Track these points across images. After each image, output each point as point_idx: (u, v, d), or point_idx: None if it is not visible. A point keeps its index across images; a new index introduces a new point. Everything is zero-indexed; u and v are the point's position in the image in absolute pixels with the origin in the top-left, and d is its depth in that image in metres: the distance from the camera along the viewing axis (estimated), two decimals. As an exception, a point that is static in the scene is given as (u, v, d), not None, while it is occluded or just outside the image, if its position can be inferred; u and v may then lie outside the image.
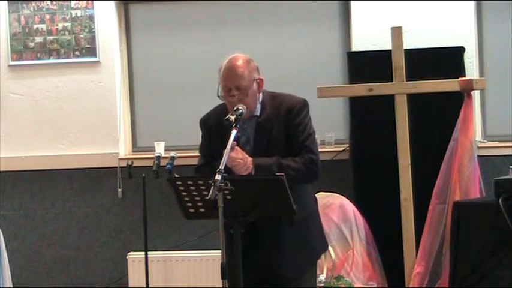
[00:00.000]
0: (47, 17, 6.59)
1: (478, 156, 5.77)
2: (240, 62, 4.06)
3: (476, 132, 5.99)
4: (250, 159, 3.96)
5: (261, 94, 4.14)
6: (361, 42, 6.30)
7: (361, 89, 5.77)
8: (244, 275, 3.90)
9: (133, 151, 6.72)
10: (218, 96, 4.09)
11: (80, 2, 6.56)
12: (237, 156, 3.92)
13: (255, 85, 4.07)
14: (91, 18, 6.56)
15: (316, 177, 4.08)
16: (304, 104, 4.13)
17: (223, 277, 3.76)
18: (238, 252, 3.87)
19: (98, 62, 6.57)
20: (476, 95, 6.09)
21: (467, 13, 6.25)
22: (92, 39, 6.57)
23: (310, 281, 4.22)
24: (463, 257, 5.12)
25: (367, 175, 6.01)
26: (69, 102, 6.61)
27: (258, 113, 4.11)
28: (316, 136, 4.17)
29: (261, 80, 4.11)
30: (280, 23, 6.58)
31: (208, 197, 3.66)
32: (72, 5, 6.57)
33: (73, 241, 6.63)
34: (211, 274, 6.12)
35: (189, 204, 3.90)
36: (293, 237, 4.06)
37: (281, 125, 4.07)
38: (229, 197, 3.73)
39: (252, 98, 4.06)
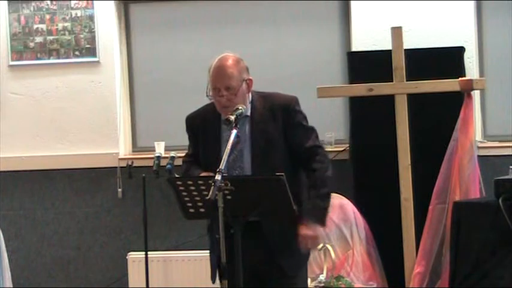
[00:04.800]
0: (47, 17, 6.59)
1: (478, 156, 5.76)
2: (229, 62, 4.05)
3: (476, 132, 5.99)
4: (319, 230, 3.98)
5: (250, 94, 4.14)
6: (361, 42, 6.30)
7: (361, 89, 5.77)
8: (244, 270, 3.92)
9: (133, 151, 6.73)
10: (207, 96, 4.09)
11: (80, 2, 6.56)
12: (312, 237, 3.97)
13: (244, 85, 4.06)
14: (91, 18, 6.57)
15: (330, 163, 4.14)
16: (296, 101, 4.15)
17: (223, 277, 3.77)
18: (238, 252, 3.87)
19: (98, 62, 6.57)
20: (476, 95, 6.09)
21: (467, 13, 6.25)
22: (92, 39, 6.57)
23: (304, 279, 4.24)
24: (463, 257, 5.11)
25: (367, 175, 6.01)
26: (69, 102, 6.61)
27: (248, 113, 4.11)
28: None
29: (250, 80, 4.11)
30: (280, 23, 6.58)
31: (208, 197, 3.66)
32: (72, 5, 6.58)
33: (73, 241, 6.63)
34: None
35: (189, 204, 3.90)
36: (292, 233, 4.05)
37: (278, 125, 4.08)
38: (229, 197, 3.73)
39: (241, 98, 4.05)
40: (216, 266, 4.02)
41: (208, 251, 3.91)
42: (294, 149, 4.10)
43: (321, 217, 4.00)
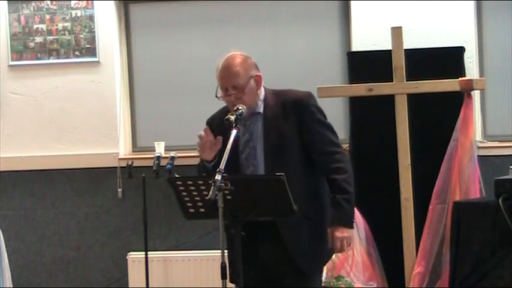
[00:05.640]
0: (47, 17, 6.59)
1: (478, 156, 5.76)
2: (235, 61, 4.04)
3: (476, 132, 5.99)
4: (346, 235, 4.01)
5: (262, 91, 4.11)
6: (361, 42, 6.31)
7: (361, 89, 5.78)
8: (256, 273, 3.99)
9: (133, 151, 6.73)
10: (216, 97, 4.08)
11: (80, 2, 6.56)
12: (347, 238, 4.01)
13: (252, 82, 4.04)
14: (91, 18, 6.57)
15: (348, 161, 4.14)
16: (309, 96, 4.11)
17: (223, 277, 3.77)
18: (238, 252, 3.88)
19: (98, 62, 6.57)
20: (476, 95, 6.09)
21: (467, 13, 6.25)
22: (92, 39, 6.57)
23: (319, 281, 4.24)
24: (463, 257, 5.11)
25: (367, 175, 6.00)
26: (69, 102, 6.61)
27: (260, 109, 4.09)
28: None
29: (259, 76, 4.07)
30: (280, 23, 6.58)
31: (208, 197, 3.66)
32: (72, 5, 6.58)
33: (73, 241, 6.63)
34: (211, 274, 6.12)
35: (189, 204, 3.90)
36: (309, 232, 4.06)
37: (290, 121, 4.04)
38: (229, 197, 3.73)
39: (250, 95, 4.03)
40: (241, 264, 3.98)
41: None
42: (310, 147, 4.06)
43: (348, 220, 4.04)
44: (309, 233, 4.06)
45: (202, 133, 3.97)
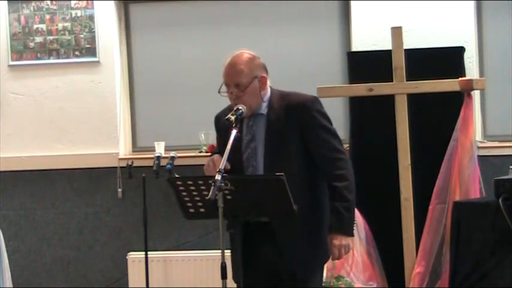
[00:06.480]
0: (47, 17, 6.60)
1: (478, 156, 5.76)
2: (241, 59, 4.02)
3: (476, 132, 5.99)
4: (344, 243, 3.97)
5: (268, 92, 4.08)
6: (361, 42, 6.31)
7: (361, 89, 5.78)
8: (256, 273, 4.00)
9: (133, 151, 6.73)
10: (218, 92, 4.07)
11: (80, 2, 6.56)
12: (345, 246, 3.98)
13: (256, 82, 4.01)
14: (91, 18, 6.57)
15: (351, 168, 4.09)
16: (314, 101, 4.06)
17: (223, 277, 3.77)
18: (237, 252, 3.89)
19: (98, 62, 6.57)
20: (476, 95, 6.09)
21: (467, 13, 6.25)
22: (92, 39, 6.57)
23: (319, 282, 4.22)
24: (463, 256, 5.12)
25: (367, 175, 6.00)
26: (69, 102, 6.61)
27: (264, 111, 4.06)
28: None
29: (264, 77, 4.04)
30: (280, 23, 6.58)
31: (208, 197, 3.65)
32: (72, 5, 6.58)
33: (73, 241, 6.63)
34: (211, 274, 6.12)
35: (189, 204, 3.90)
36: (307, 234, 4.04)
37: (292, 125, 4.01)
38: (229, 197, 3.73)
39: (252, 96, 4.00)
40: (240, 263, 3.98)
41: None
42: (312, 152, 4.02)
43: (347, 228, 4.00)
44: (306, 235, 4.04)
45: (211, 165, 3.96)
